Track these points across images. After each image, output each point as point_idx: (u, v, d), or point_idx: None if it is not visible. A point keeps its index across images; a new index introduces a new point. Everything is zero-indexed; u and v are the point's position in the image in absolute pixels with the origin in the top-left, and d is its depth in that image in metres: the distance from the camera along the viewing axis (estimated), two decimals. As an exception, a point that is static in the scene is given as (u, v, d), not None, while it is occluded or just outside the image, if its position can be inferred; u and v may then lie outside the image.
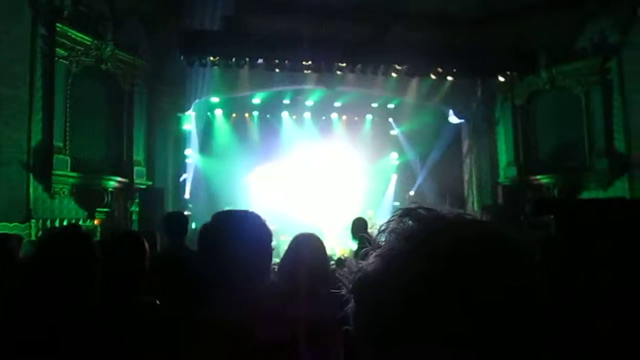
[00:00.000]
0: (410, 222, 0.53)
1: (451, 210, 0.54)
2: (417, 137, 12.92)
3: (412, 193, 13.60)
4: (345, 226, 10.91)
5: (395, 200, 13.63)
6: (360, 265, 0.54)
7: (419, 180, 13.32)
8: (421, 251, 0.49)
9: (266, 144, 13.02)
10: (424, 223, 0.52)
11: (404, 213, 0.55)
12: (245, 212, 1.35)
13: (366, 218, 11.94)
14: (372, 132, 13.65)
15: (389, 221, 0.55)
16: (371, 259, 0.54)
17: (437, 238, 0.49)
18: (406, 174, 13.81)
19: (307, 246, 1.94)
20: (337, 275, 0.56)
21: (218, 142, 12.61)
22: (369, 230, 9.66)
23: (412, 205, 0.55)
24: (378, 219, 11.82)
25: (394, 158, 14.15)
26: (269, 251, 1.33)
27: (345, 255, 10.36)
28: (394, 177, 14.09)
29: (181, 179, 11.70)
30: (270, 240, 1.34)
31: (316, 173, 13.88)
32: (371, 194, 13.13)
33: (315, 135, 13.26)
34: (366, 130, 13.75)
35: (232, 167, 12.81)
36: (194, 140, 11.96)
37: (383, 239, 0.55)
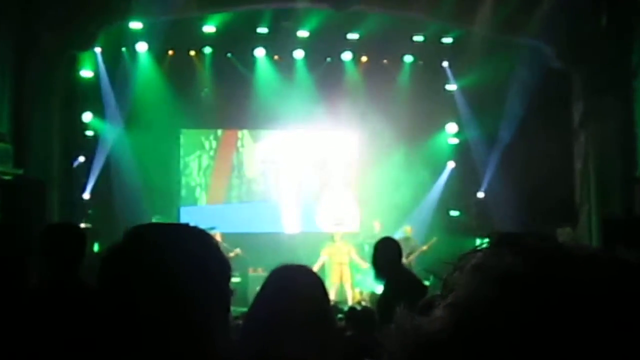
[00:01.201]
0: (510, 255, 0.57)
1: (580, 245, 0.58)
2: (489, 98, 13.05)
3: (481, 195, 14.02)
4: (360, 251, 12.47)
5: (452, 206, 14.03)
6: (418, 322, 0.59)
7: (490, 173, 13.57)
8: (531, 306, 0.52)
9: (226, 104, 13.27)
10: (536, 260, 0.56)
11: (501, 240, 0.60)
12: (185, 227, 1.48)
13: (401, 236, 12.07)
14: (413, 86, 13.83)
15: (472, 252, 0.61)
16: (438, 311, 0.59)
17: (561, 289, 0.53)
18: (470, 161, 14.03)
19: (294, 286, 2.04)
20: (349, 337, 0.59)
21: (142, 102, 12.67)
22: (406, 261, 10.01)
23: (517, 231, 0.61)
24: (421, 241, 12.62)
25: (450, 133, 14.38)
26: (224, 294, 1.40)
27: (365, 302, 10.90)
28: (450, 167, 14.37)
29: (75, 164, 11.94)
30: (228, 276, 1.42)
31: (312, 157, 14.50)
32: (408, 196, 13.38)
33: (311, 90, 13.48)
34: (402, 84, 13.93)
35: (166, 144, 13.35)
36: (102, 98, 12.26)
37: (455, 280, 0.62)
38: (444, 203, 13.92)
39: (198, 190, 14.09)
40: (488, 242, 0.63)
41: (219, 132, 14.31)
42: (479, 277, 0.58)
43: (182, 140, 13.96)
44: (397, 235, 11.87)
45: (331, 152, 14.46)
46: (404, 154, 13.36)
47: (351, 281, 11.89)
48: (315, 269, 11.45)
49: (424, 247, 12.05)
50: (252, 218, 13.72)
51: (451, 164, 14.38)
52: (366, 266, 10.65)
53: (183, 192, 13.96)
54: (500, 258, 0.58)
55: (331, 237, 12.13)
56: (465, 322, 0.56)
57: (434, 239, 12.20)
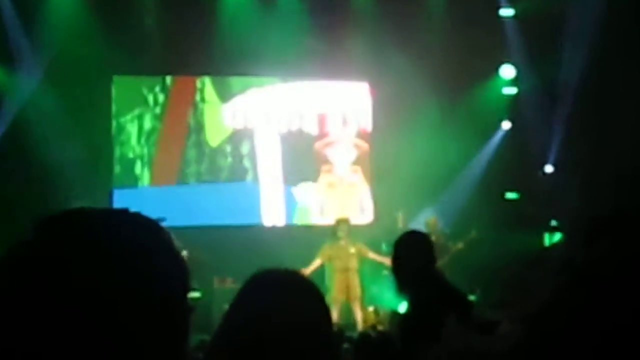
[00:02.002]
0: (609, 251, 0.70)
1: None
2: (557, 29, 13.07)
3: (549, 169, 14.29)
4: (376, 252, 12.65)
5: (507, 185, 14.35)
6: (479, 341, 0.93)
7: (562, 137, 13.88)
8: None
9: (179, 40, 13.44)
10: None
11: (594, 230, 0.70)
12: (123, 214, 1.50)
13: (426, 225, 12.11)
14: (450, 13, 13.96)
15: (548, 250, 0.56)
16: (505, 326, 0.99)
17: None
18: (534, 121, 14.17)
19: (279, 304, 2.06)
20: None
21: (62, 42, 12.82)
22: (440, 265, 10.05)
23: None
24: (455, 237, 12.78)
25: (504, 79, 14.57)
26: (179, 314, 1.43)
27: (382, 326, 10.94)
28: (504, 129, 14.61)
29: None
30: (185, 287, 1.45)
31: (304, 119, 14.71)
32: (443, 174, 13.54)
33: (303, 22, 13.65)
34: (434, 10, 14.11)
35: (92, 99, 13.43)
36: (8, 41, 12.50)
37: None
38: (495, 182, 14.03)
39: (138, 165, 14.11)
40: (569, 234, 0.60)
41: (168, 80, 14.31)
42: (565, 282, 0.58)
43: (114, 92, 13.94)
44: (419, 223, 11.99)
45: (332, 112, 14.48)
46: (437, 112, 13.43)
47: (362, 296, 11.95)
48: (307, 272, 11.33)
49: (459, 246, 12.11)
50: (217, 206, 13.79)
51: (506, 125, 14.52)
52: (384, 274, 10.67)
53: (117, 169, 13.99)
54: (593, 256, 0.58)
55: (333, 233, 12.14)
56: (550, 338, 0.55)
57: (473, 233, 12.26)
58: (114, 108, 13.98)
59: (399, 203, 13.02)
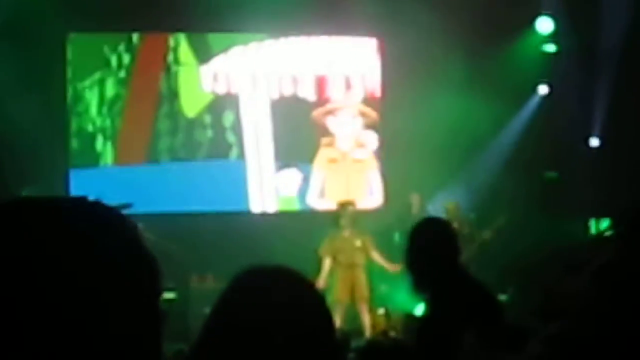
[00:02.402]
0: None
1: None
2: None
3: (594, 142, 14.34)
4: (387, 244, 12.59)
5: (544, 163, 14.45)
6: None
7: (603, 109, 13.82)
8: None
9: None
10: None
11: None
12: (81, 203, 1.52)
13: (446, 211, 12.19)
14: None
15: (595, 243, 0.63)
16: (536, 346, 1.21)
17: None
18: (577, 84, 14.17)
19: (271, 308, 2.10)
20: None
21: None
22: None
23: None
24: (480, 224, 12.82)
25: (541, 34, 14.59)
26: (150, 321, 1.46)
27: (395, 332, 10.94)
28: (540, 94, 14.66)
29: None
30: (156, 289, 1.48)
31: (301, 83, 14.69)
32: (468, 147, 13.63)
33: None
34: None
35: (43, 61, 13.41)
36: None
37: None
38: (529, 157, 14.05)
39: (100, 140, 14.12)
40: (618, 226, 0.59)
41: (135, 38, 14.30)
42: (611, 288, 0.57)
43: (69, 52, 13.92)
44: (440, 210, 11.98)
45: (333, 74, 14.46)
46: (461, 73, 13.38)
47: (370, 296, 11.97)
48: (322, 283, 11.41)
49: (486, 235, 12.09)
50: (194, 188, 13.81)
51: (543, 90, 14.53)
52: (396, 270, 10.67)
53: (74, 144, 14.02)
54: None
55: (335, 221, 12.14)
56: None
57: (502, 220, 12.24)
58: (69, 72, 13.96)
59: (414, 183, 13.03)
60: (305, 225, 12.82)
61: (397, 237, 11.76)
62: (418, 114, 13.45)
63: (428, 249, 4.81)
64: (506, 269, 10.81)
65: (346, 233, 11.88)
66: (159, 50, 14.34)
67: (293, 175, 14.37)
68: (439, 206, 12.36)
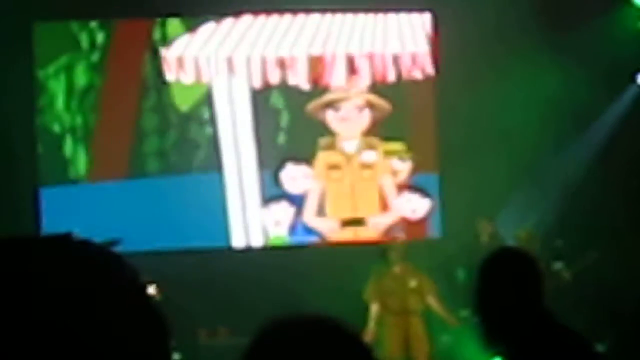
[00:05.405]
0: None
1: None
2: None
3: None
4: (448, 283, 12.54)
5: None
6: None
7: None
8: None
9: None
10: None
11: None
12: (60, 247, 1.52)
13: (517, 239, 12.12)
14: None
15: None
16: None
17: None
18: None
19: None
20: None
21: None
22: None
23: None
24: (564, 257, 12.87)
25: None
26: None
27: None
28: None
29: None
30: (165, 353, 1.53)
31: (282, 67, 14.71)
32: (538, 150, 13.65)
33: None
34: None
35: (7, 53, 13.73)
36: None
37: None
38: (628, 163, 13.96)
39: (69, 142, 14.12)
40: None
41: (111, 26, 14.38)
42: None
43: (37, 44, 14.08)
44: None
45: (334, 54, 14.44)
46: (536, 55, 13.51)
47: (431, 351, 12.00)
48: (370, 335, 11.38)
49: (566, 276, 12.04)
50: (195, 219, 13.70)
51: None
52: (456, 324, 10.66)
53: (41, 149, 14.04)
54: None
55: (382, 255, 12.14)
56: None
57: (591, 256, 12.23)
58: (37, 65, 14.05)
59: (480, 205, 13.02)
60: (344, 257, 12.85)
61: (461, 274, 11.72)
62: (486, 113, 13.42)
63: (504, 289, 4.82)
64: (600, 310, 10.77)
65: (397, 269, 11.90)
66: (142, 26, 14.46)
67: (283, 210, 14.21)
68: (510, 231, 12.30)
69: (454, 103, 13.89)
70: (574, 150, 14.01)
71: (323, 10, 14.24)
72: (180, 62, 14.11)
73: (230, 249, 13.73)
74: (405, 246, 12.12)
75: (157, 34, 14.32)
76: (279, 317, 2.17)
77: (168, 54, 14.13)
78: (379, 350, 10.80)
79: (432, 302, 11.76)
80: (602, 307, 10.73)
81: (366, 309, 11.68)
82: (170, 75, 14.11)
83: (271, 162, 14.04)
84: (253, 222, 14.01)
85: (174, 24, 14.27)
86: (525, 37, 13.41)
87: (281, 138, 14.17)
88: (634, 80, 14.47)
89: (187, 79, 14.12)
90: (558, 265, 12.04)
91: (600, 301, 10.90)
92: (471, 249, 11.02)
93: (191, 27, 14.22)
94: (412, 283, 11.79)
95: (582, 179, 13.77)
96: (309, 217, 14.08)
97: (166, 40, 14.29)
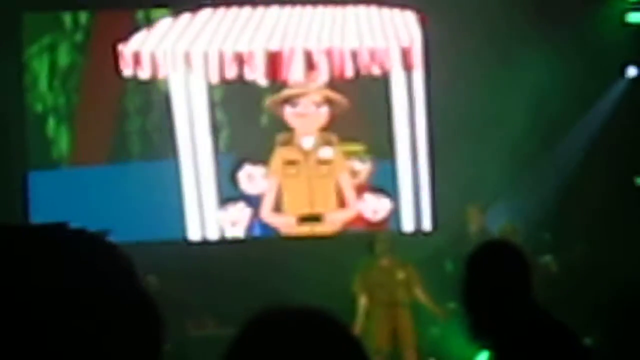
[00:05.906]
0: None
1: None
2: None
3: None
4: (436, 275, 12.60)
5: (636, 166, 14.32)
6: None
7: None
8: None
9: None
10: None
11: None
12: (49, 237, 1.52)
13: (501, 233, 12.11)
14: None
15: None
16: None
17: None
18: None
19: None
20: None
21: None
22: None
23: None
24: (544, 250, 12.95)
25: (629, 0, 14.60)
26: None
27: None
28: (629, 76, 14.67)
29: None
30: (158, 344, 1.56)
31: (239, 61, 14.65)
32: (527, 143, 13.70)
33: None
34: None
35: None
36: None
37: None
38: (616, 158, 14.02)
39: (52, 121, 14.09)
40: None
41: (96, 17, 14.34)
42: None
43: (26, 34, 14.07)
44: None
45: (293, 48, 14.40)
46: (525, 49, 13.46)
47: (419, 343, 12.02)
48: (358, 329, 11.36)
49: (552, 266, 12.08)
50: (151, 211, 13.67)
51: (632, 72, 14.56)
52: (445, 316, 10.67)
53: (27, 131, 13.99)
54: None
55: (369, 247, 12.13)
56: None
57: (578, 250, 12.27)
58: (25, 56, 14.07)
59: (470, 192, 13.03)
60: (332, 246, 12.92)
61: (449, 266, 11.73)
62: (476, 103, 13.46)
63: (492, 282, 4.79)
64: (591, 305, 10.78)
65: (384, 262, 11.90)
66: (120, 25, 14.31)
67: (239, 211, 14.20)
68: (498, 223, 12.36)
69: (444, 96, 13.87)
70: (563, 144, 14.03)
71: (282, 3, 14.27)
72: (136, 57, 14.02)
73: (185, 240, 13.81)
74: (392, 238, 12.12)
75: (140, 14, 14.21)
76: (266, 308, 2.16)
77: (125, 49, 14.00)
78: (366, 342, 10.76)
79: (419, 294, 11.76)
80: (590, 301, 10.74)
81: (352, 300, 11.67)
82: (127, 71, 13.99)
83: (227, 158, 14.06)
84: (210, 221, 14.00)
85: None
86: (513, 31, 13.41)
87: (239, 133, 14.17)
88: (623, 73, 14.48)
89: (144, 74, 14.04)
90: (546, 258, 12.06)
91: (588, 295, 10.91)
92: (459, 241, 11.01)
93: (174, 14, 14.19)
94: (400, 275, 11.77)
95: (572, 172, 13.79)
96: (266, 213, 14.07)
97: (149, 20, 14.25)
